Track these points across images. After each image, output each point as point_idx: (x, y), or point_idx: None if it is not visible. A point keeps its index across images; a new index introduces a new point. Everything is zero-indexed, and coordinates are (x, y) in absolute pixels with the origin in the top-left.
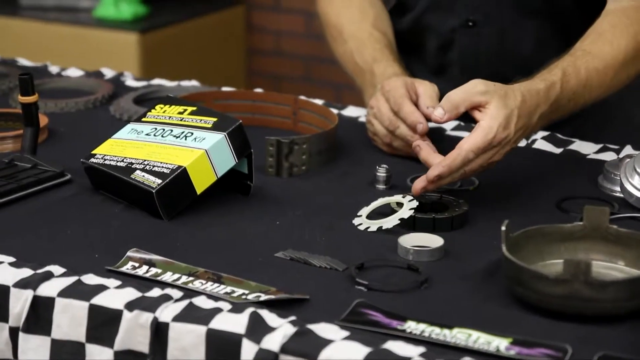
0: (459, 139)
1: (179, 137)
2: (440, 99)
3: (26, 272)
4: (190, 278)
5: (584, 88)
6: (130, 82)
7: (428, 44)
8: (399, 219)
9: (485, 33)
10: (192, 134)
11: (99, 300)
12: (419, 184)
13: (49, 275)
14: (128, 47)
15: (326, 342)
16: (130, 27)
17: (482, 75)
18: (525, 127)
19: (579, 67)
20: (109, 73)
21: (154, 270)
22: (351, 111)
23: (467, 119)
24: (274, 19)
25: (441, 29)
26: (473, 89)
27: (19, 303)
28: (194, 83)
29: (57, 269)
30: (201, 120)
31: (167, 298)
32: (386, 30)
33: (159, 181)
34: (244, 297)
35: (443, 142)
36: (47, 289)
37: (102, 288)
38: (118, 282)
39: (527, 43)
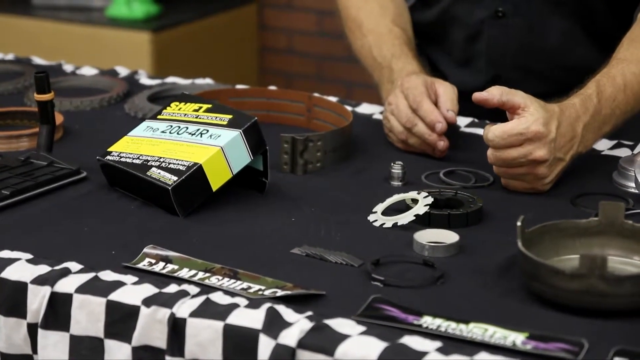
0: (473, 135)
1: (194, 134)
2: (461, 92)
3: (43, 269)
4: (207, 274)
5: (624, 93)
6: (144, 80)
7: (454, 35)
8: (414, 215)
9: (513, 24)
10: (207, 131)
11: (117, 296)
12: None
13: (66, 272)
14: (140, 46)
15: (343, 337)
16: (142, 26)
17: (508, 67)
18: (570, 137)
19: (613, 75)
20: (123, 71)
21: (170, 267)
22: (365, 108)
23: (482, 116)
24: (286, 17)
25: (469, 20)
26: (516, 91)
27: (37, 299)
28: (208, 81)
29: (74, 266)
30: (216, 117)
31: (184, 294)
32: (406, 27)
33: (175, 178)
34: (260, 292)
35: (458, 138)
36: (65, 285)
37: (119, 284)
38: (135, 279)
39: (553, 36)
